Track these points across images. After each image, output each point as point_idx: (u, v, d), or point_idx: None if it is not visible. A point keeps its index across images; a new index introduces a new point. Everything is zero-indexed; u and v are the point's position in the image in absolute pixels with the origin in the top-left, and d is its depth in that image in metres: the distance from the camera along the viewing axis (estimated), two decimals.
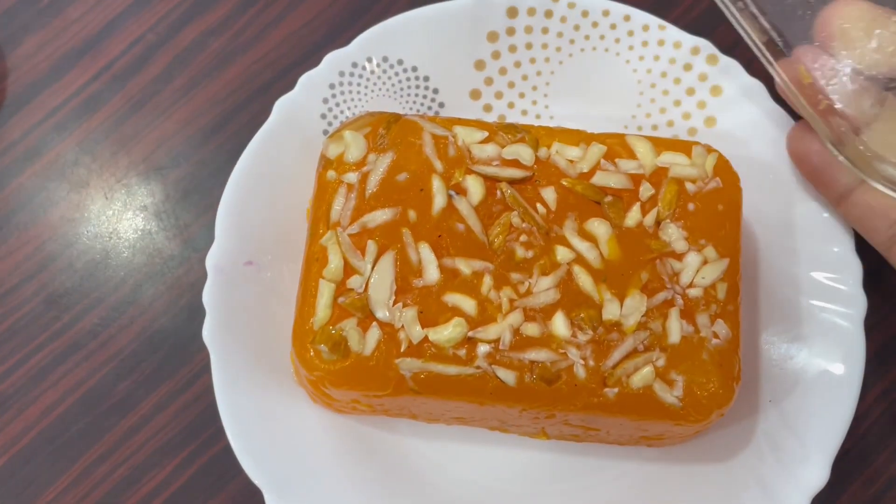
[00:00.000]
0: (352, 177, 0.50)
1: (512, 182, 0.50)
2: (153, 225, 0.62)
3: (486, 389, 0.47)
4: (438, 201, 0.50)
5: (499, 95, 0.60)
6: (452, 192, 0.50)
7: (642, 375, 0.47)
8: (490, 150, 0.51)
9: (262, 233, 0.55)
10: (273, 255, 0.55)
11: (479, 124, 0.52)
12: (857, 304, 0.53)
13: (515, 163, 0.50)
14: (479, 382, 0.47)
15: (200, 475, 0.57)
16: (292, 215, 0.56)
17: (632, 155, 0.51)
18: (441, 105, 0.60)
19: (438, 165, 0.50)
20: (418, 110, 0.59)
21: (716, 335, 0.48)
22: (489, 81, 0.60)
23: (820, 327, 0.53)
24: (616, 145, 0.51)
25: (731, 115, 0.58)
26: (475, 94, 0.60)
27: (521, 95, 0.60)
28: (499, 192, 0.50)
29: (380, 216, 0.49)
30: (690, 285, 0.49)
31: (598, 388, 0.47)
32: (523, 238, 0.49)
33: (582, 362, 0.47)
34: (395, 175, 0.50)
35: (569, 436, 0.53)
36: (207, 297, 0.53)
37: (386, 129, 0.51)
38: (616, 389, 0.47)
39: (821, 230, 0.55)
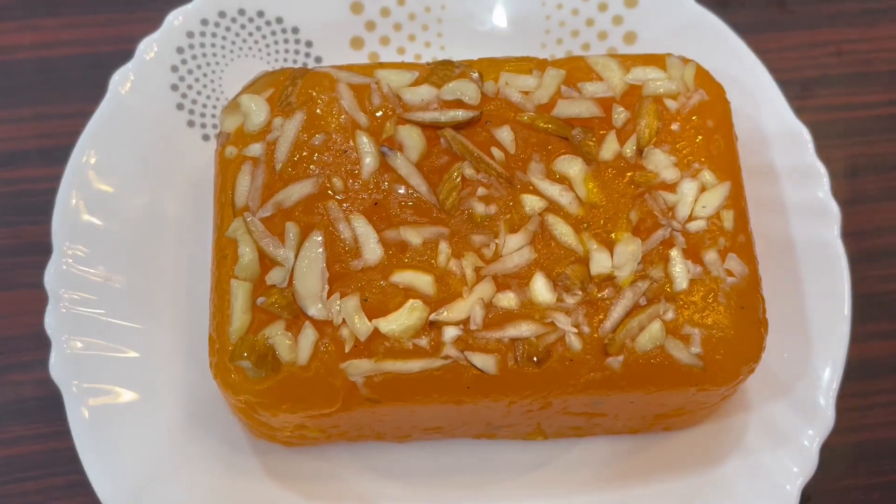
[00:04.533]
0: (256, 149, 0.40)
1: (457, 126, 0.41)
2: None
3: (461, 383, 0.37)
4: (369, 162, 0.40)
5: (385, 41, 0.51)
6: (385, 149, 0.40)
7: (651, 335, 0.37)
8: (425, 92, 0.41)
9: (111, 241, 0.45)
10: (129, 266, 0.45)
11: (405, 65, 0.43)
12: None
13: (458, 103, 0.41)
14: (451, 376, 0.37)
15: None
16: (153, 215, 0.46)
17: (596, 77, 0.42)
18: (318, 60, 0.50)
19: (362, 119, 0.41)
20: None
21: (730, 273, 0.39)
22: (371, 26, 0.51)
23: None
24: (574, 70, 0.42)
25: (652, 27, 0.50)
26: (357, 43, 0.50)
27: (411, 38, 0.51)
28: (443, 141, 0.40)
29: (297, 191, 0.39)
30: (690, 218, 0.40)
31: (598, 360, 0.37)
32: (481, 191, 0.39)
33: (575, 331, 0.37)
34: (310, 138, 0.40)
35: (569, 429, 0.43)
36: (52, 324, 0.43)
37: (292, 85, 0.42)
38: (621, 357, 0.37)
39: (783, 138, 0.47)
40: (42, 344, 0.49)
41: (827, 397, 0.43)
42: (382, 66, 0.43)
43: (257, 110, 0.41)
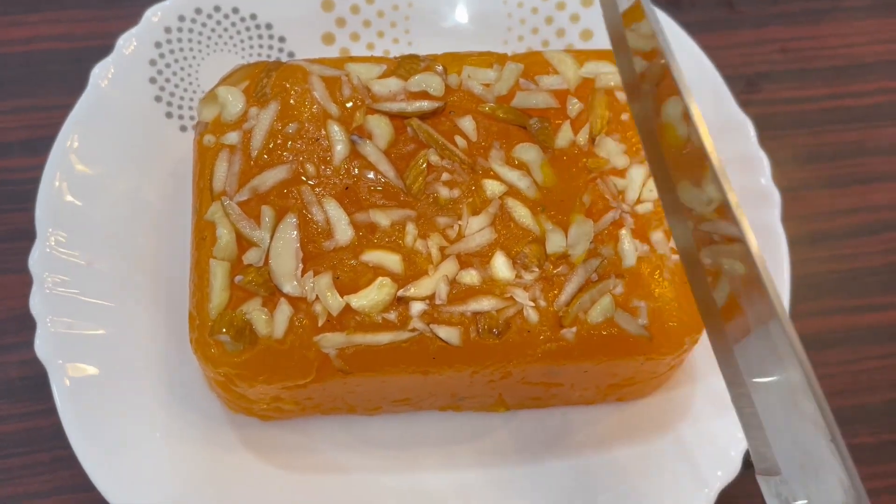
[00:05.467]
0: (233, 137, 0.43)
1: (423, 116, 0.43)
2: None
3: (427, 354, 0.40)
4: (339, 149, 0.42)
5: (355, 37, 0.53)
6: (355, 137, 0.43)
7: (601, 308, 0.40)
8: (392, 84, 0.44)
9: (93, 227, 0.47)
10: (110, 250, 0.47)
11: (374, 59, 0.45)
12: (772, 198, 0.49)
13: (424, 94, 0.44)
14: (417, 348, 0.40)
15: None
16: (133, 201, 0.48)
17: (552, 70, 0.45)
18: (291, 55, 0.53)
19: (333, 109, 0.43)
20: None
21: (674, 251, 0.42)
22: (341, 23, 0.53)
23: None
24: (532, 64, 0.45)
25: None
26: (328, 39, 0.53)
27: (380, 34, 0.54)
28: (409, 130, 0.43)
29: (272, 176, 0.42)
30: (638, 201, 0.43)
31: (554, 332, 0.40)
32: (445, 177, 0.42)
33: (532, 304, 0.40)
34: (284, 127, 0.43)
35: (529, 400, 0.46)
36: (37, 305, 0.45)
37: (266, 77, 0.44)
38: (574, 329, 0.40)
39: (728, 129, 0.51)
40: (25, 326, 0.51)
41: None
42: (352, 59, 0.45)
43: (234, 101, 0.43)
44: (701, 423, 0.46)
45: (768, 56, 0.61)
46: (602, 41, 0.53)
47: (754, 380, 0.34)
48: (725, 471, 0.45)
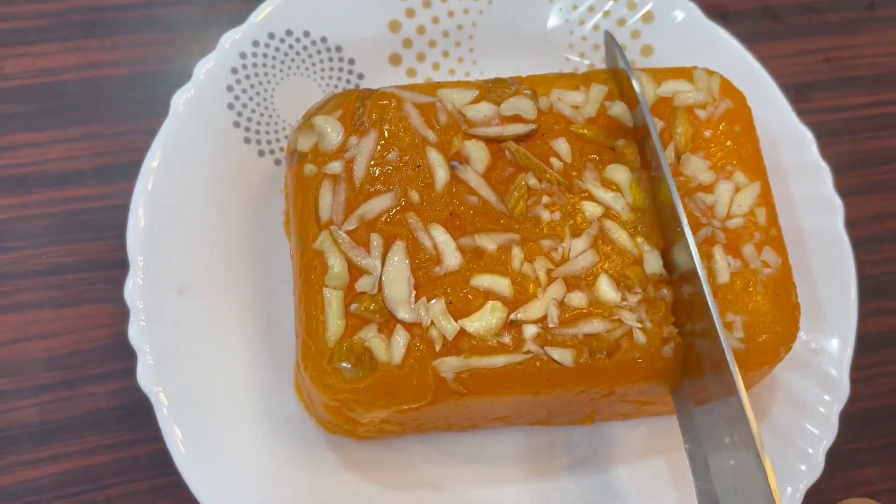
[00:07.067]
0: (335, 166, 0.43)
1: (517, 140, 0.44)
2: None
3: (541, 376, 0.41)
4: (440, 175, 0.43)
5: (421, 57, 0.54)
6: (455, 163, 0.44)
7: None
8: (486, 109, 0.45)
9: (181, 254, 0.47)
10: (199, 276, 0.47)
11: (463, 84, 0.46)
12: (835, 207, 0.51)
13: (517, 118, 0.45)
14: (531, 369, 0.41)
15: None
16: (218, 228, 0.49)
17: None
18: (360, 76, 0.54)
19: (431, 136, 0.44)
20: (336, 85, 0.53)
21: (766, 264, 0.44)
22: (408, 43, 0.54)
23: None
24: (611, 82, 0.47)
25: (668, 41, 0.55)
26: (395, 60, 0.54)
27: (445, 54, 0.55)
28: (508, 154, 0.44)
29: (378, 204, 0.43)
30: (728, 216, 0.44)
31: (659, 351, 0.42)
32: (546, 199, 0.43)
33: (639, 325, 0.42)
34: (384, 155, 0.43)
35: (619, 416, 0.48)
36: (135, 336, 0.45)
37: (362, 106, 0.45)
38: (672, 344, 0.42)
39: (789, 140, 0.53)
40: (111, 357, 0.51)
41: (840, 370, 0.48)
42: (441, 85, 0.46)
43: (333, 131, 0.44)
44: (781, 423, 0.48)
45: (813, 66, 0.63)
46: (663, 57, 0.55)
47: (705, 422, 0.41)
48: (809, 466, 0.47)
